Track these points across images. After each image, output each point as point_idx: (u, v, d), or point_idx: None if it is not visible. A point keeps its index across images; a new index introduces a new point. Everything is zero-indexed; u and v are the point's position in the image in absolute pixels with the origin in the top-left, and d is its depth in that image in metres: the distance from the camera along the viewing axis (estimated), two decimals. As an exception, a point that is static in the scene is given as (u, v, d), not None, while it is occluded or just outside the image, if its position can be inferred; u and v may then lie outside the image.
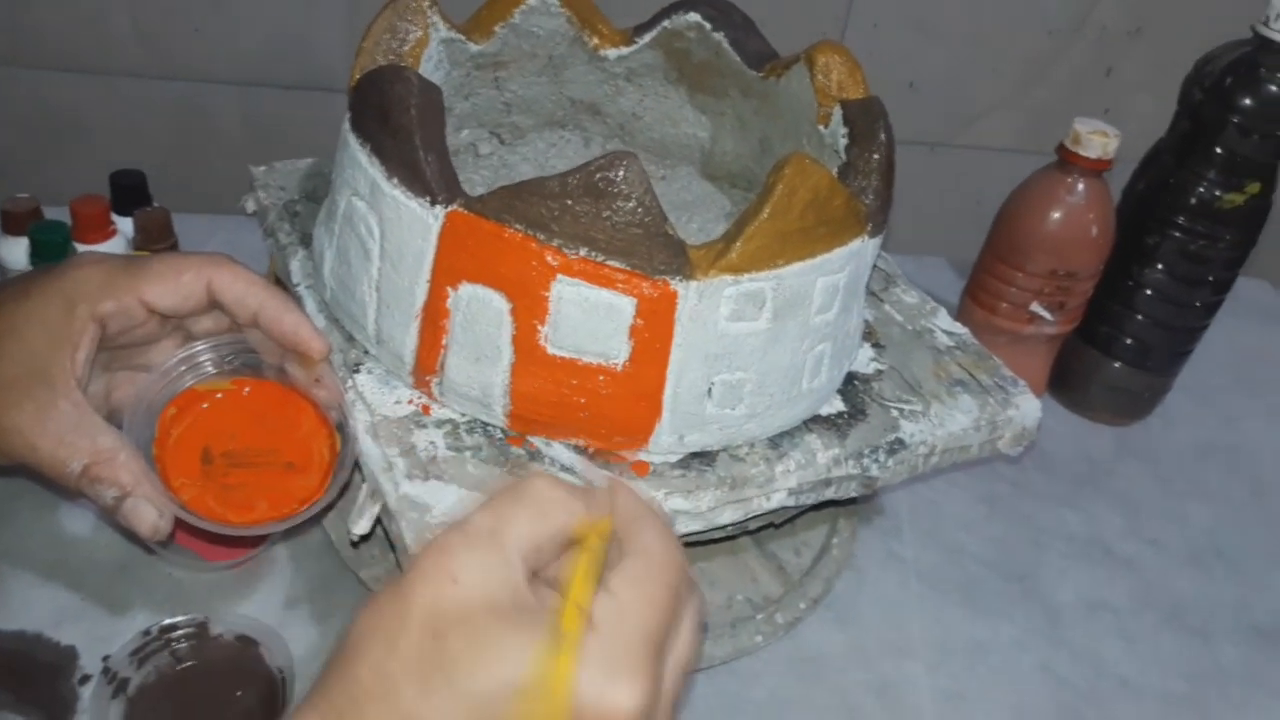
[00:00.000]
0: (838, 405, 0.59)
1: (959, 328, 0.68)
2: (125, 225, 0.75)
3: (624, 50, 0.67)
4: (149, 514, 0.49)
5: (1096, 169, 0.75)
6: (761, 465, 0.54)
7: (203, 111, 1.00)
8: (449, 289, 0.51)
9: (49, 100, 0.99)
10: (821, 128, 0.60)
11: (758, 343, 0.52)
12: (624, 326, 0.50)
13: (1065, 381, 0.87)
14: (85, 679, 0.57)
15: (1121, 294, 0.82)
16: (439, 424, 0.53)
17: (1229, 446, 0.87)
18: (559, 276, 0.49)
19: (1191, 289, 0.80)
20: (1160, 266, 0.80)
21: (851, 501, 0.64)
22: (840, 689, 0.62)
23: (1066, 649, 0.67)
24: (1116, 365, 0.85)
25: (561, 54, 0.67)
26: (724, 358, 0.52)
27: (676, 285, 0.49)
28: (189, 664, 0.57)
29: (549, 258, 0.48)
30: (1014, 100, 1.07)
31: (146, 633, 0.57)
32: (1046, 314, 0.79)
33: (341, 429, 0.53)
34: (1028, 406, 0.62)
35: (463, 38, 0.62)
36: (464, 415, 0.54)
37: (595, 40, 0.66)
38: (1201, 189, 0.76)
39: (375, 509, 0.50)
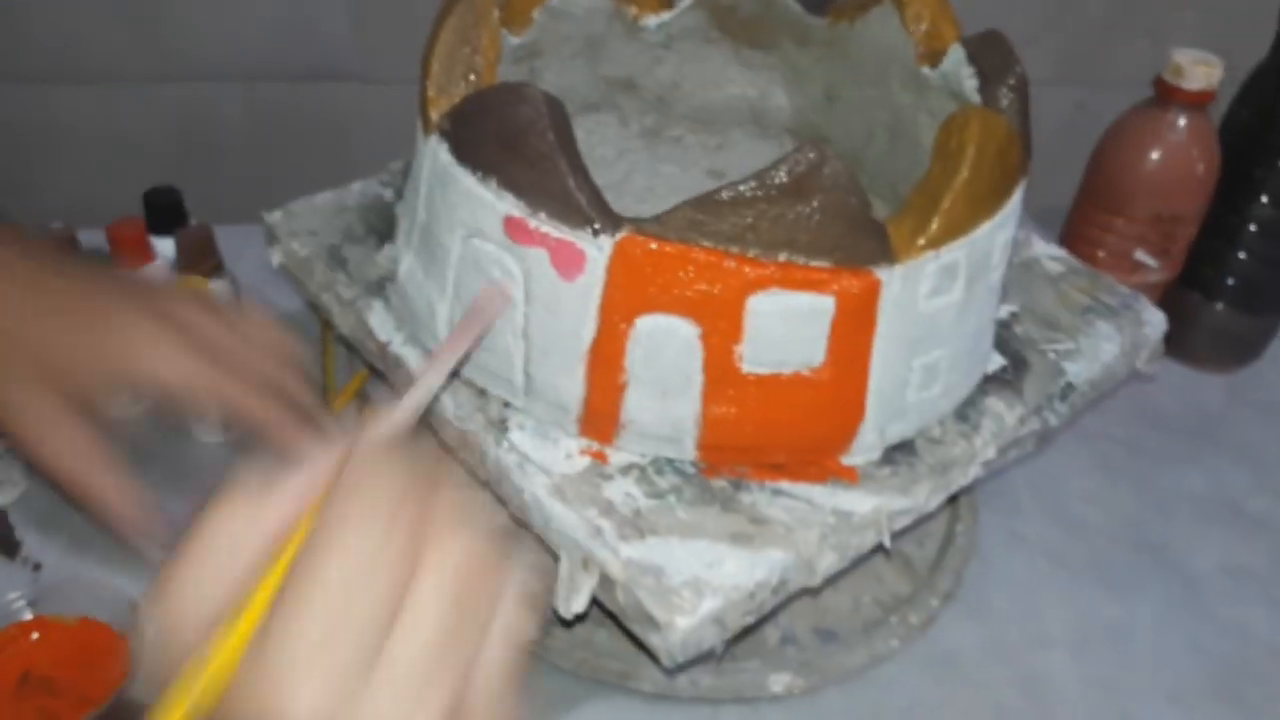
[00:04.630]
0: (997, 360, 0.56)
1: (1057, 249, 0.66)
2: (165, 246, 0.70)
3: (664, 16, 0.62)
4: None
5: (1199, 102, 0.69)
6: (961, 443, 0.52)
7: (207, 111, 0.96)
8: (623, 325, 0.46)
9: (48, 114, 0.94)
10: (926, 69, 0.55)
11: (952, 316, 0.49)
12: (825, 328, 0.45)
13: (1167, 330, 0.82)
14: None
15: (1224, 231, 0.76)
16: (624, 471, 0.49)
17: (1347, 385, 0.82)
18: (755, 288, 0.44)
19: (1303, 222, 0.75)
20: (1265, 200, 0.74)
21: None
22: (984, 687, 0.58)
23: (1212, 623, 0.63)
24: (1220, 307, 0.79)
25: (599, 32, 0.62)
26: (924, 339, 0.48)
27: (880, 273, 0.45)
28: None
29: (745, 270, 0.44)
30: (1052, 25, 0.99)
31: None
32: (1151, 261, 0.74)
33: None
34: (1155, 319, 0.62)
35: (505, 32, 0.57)
36: (644, 456, 0.49)
37: (634, 10, 0.61)
38: (1313, 113, 0.70)
39: (592, 581, 0.45)
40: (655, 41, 0.63)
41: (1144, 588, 0.64)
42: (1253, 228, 0.76)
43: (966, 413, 0.53)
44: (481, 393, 0.51)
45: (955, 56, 0.53)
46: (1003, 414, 0.53)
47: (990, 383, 0.55)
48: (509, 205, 0.45)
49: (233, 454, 0.69)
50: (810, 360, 0.46)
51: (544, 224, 0.45)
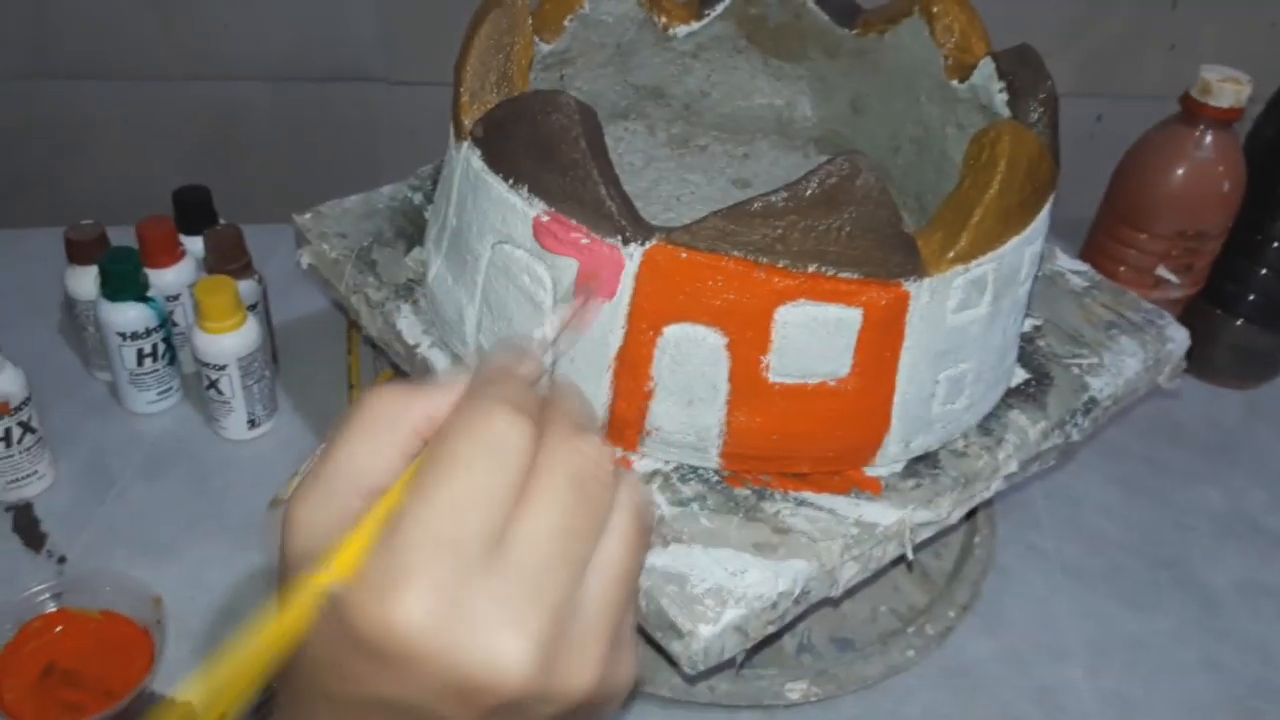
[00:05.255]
0: (1020, 373, 0.57)
1: (1081, 264, 0.66)
2: (194, 245, 0.71)
3: (694, 26, 0.63)
4: None
5: (1227, 119, 0.69)
6: (985, 456, 0.52)
7: (236, 110, 0.97)
8: (651, 332, 0.46)
9: (78, 110, 0.95)
10: (955, 82, 0.56)
11: (979, 329, 0.49)
12: (852, 339, 0.46)
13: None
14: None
15: (1247, 248, 0.76)
16: (647, 477, 0.49)
17: (1364, 404, 0.82)
18: (784, 299, 0.44)
19: (1326, 240, 0.75)
20: (1290, 217, 0.75)
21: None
22: (999, 700, 0.58)
23: (1229, 639, 0.63)
24: (1240, 323, 0.79)
25: (630, 40, 0.62)
26: (950, 353, 0.48)
27: (909, 286, 0.45)
28: (314, 717, 0.54)
29: (775, 281, 0.44)
30: (1074, 39, 1.00)
31: (268, 688, 0.53)
32: (1173, 278, 0.74)
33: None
34: (1179, 336, 0.62)
35: (536, 39, 0.57)
36: (668, 462, 0.50)
37: (664, 19, 0.62)
38: (1340, 132, 0.70)
39: None
40: (684, 50, 0.64)
41: (1161, 603, 0.64)
42: (1276, 245, 0.76)
43: (990, 426, 0.53)
44: None
45: (985, 70, 0.53)
46: (1026, 428, 0.53)
47: (1013, 396, 0.55)
48: (539, 212, 0.46)
49: (260, 451, 0.69)
50: (836, 371, 0.46)
51: (574, 230, 0.45)
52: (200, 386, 0.68)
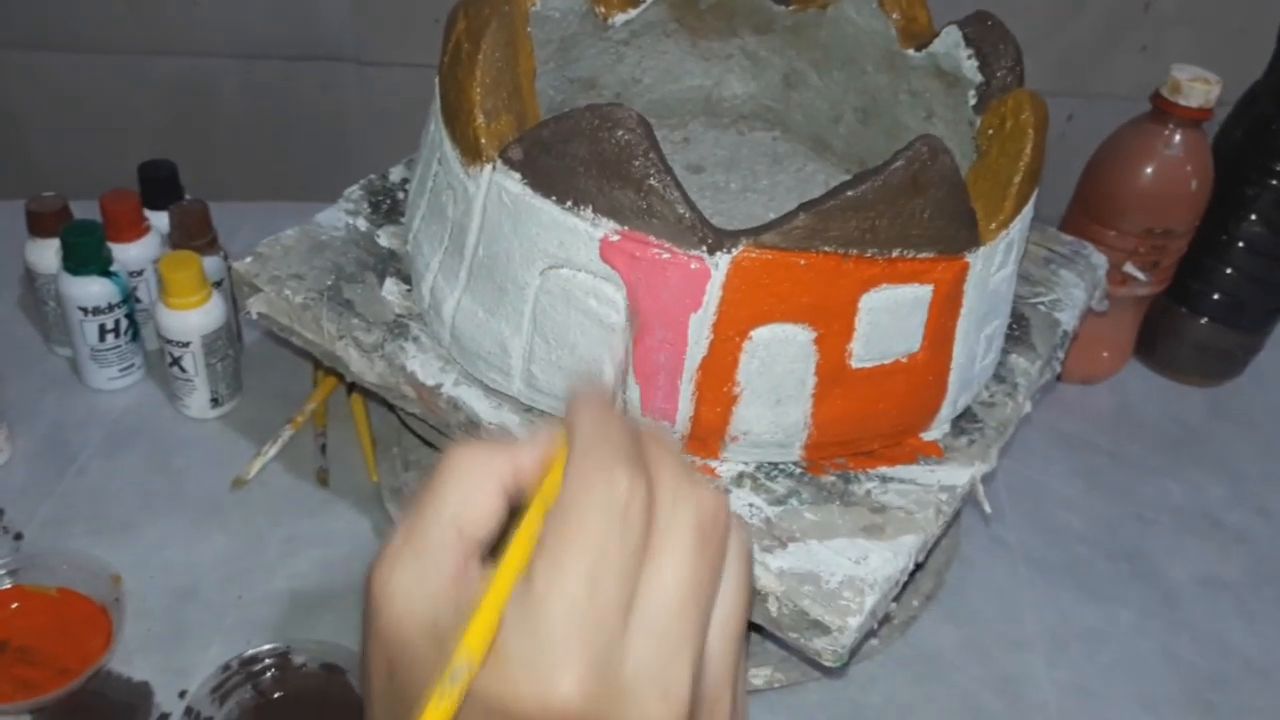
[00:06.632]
0: None
1: None
2: (159, 221, 0.70)
3: (631, 13, 0.62)
4: None
5: (1196, 119, 0.70)
6: (1009, 402, 0.55)
7: (204, 87, 0.95)
8: (738, 338, 0.45)
9: (42, 82, 0.94)
10: (911, 51, 0.57)
11: (1006, 286, 0.52)
12: (924, 315, 0.47)
13: (1151, 342, 0.83)
14: (164, 717, 0.53)
15: (1213, 248, 0.77)
16: (737, 482, 0.49)
17: (1325, 404, 0.83)
18: (869, 286, 0.45)
19: (1291, 242, 0.76)
20: (1255, 218, 0.75)
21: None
22: (960, 688, 0.58)
23: (1187, 631, 0.63)
24: (1204, 322, 0.80)
25: (572, 33, 0.62)
26: (990, 312, 0.51)
27: (970, 256, 0.47)
28: (274, 697, 0.53)
29: (862, 271, 0.44)
30: (1046, 39, 1.00)
31: (226, 666, 0.53)
32: (1141, 275, 0.74)
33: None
34: (1100, 261, 0.68)
35: None
36: (748, 464, 0.50)
37: (603, 9, 0.61)
38: (1306, 134, 0.71)
39: None
40: (619, 39, 0.63)
41: (1121, 596, 0.65)
42: (1241, 245, 0.77)
43: (1001, 374, 0.57)
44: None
45: (950, 39, 0.54)
46: (1027, 368, 0.58)
47: (1007, 342, 0.58)
48: (607, 231, 0.44)
49: (222, 430, 0.69)
50: (910, 347, 0.48)
51: (652, 247, 0.44)
52: (163, 364, 0.67)
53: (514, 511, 0.27)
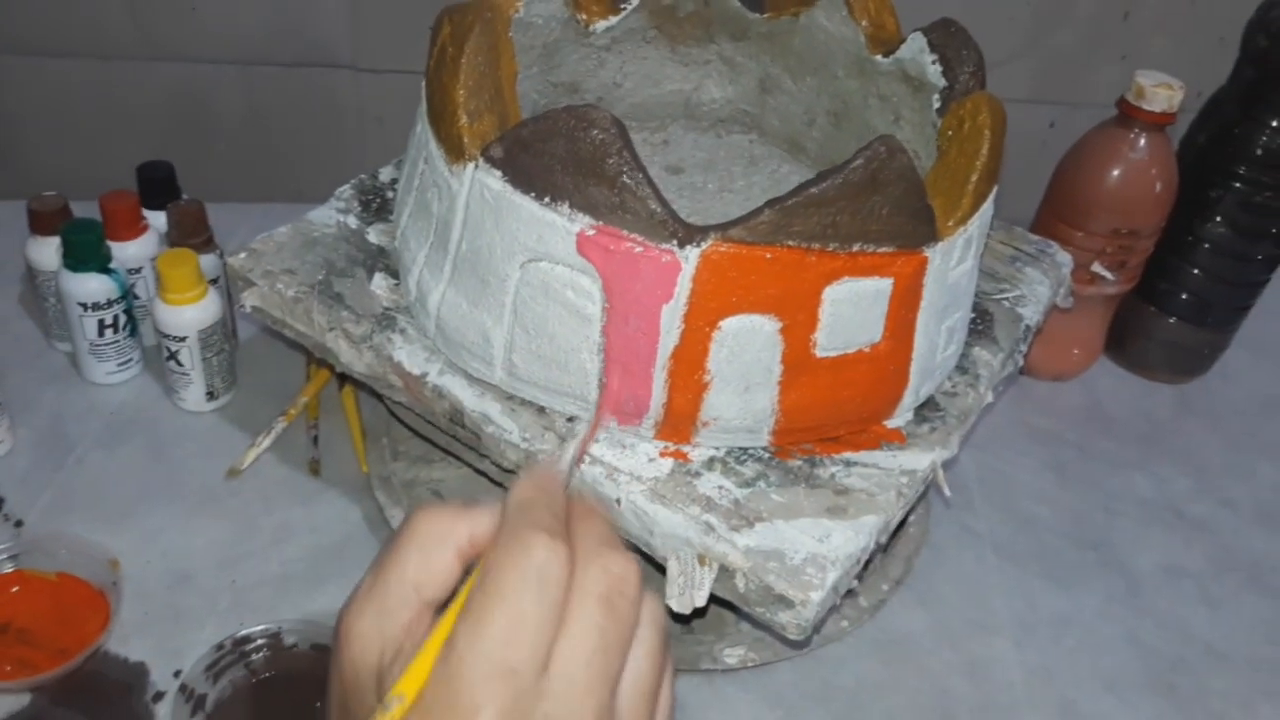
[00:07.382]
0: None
1: None
2: (157, 220, 0.72)
3: (611, 20, 0.65)
4: None
5: (1160, 123, 0.72)
6: (970, 392, 0.57)
7: (202, 93, 0.97)
8: (708, 328, 0.48)
9: (45, 87, 0.96)
10: (879, 57, 0.60)
11: (966, 280, 0.54)
12: (884, 307, 0.49)
13: (1121, 340, 0.85)
14: (159, 696, 0.55)
15: (1180, 249, 0.80)
16: (707, 466, 0.51)
17: (1289, 400, 0.86)
18: (832, 279, 0.47)
19: (1254, 242, 0.78)
20: (1220, 220, 0.78)
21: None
22: (929, 670, 0.60)
23: (1150, 617, 0.65)
24: (1172, 321, 0.83)
25: (555, 39, 0.64)
26: (950, 305, 0.53)
27: (928, 251, 0.49)
28: (266, 676, 0.55)
29: (824, 264, 0.46)
30: (1028, 48, 1.03)
31: (220, 646, 0.55)
32: (1108, 274, 0.77)
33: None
34: (1065, 259, 0.70)
35: None
36: (719, 448, 0.52)
37: (584, 16, 0.64)
38: (1266, 138, 0.74)
39: (712, 574, 0.48)
40: (600, 45, 0.66)
41: (1087, 583, 0.67)
42: (1207, 246, 0.79)
43: (964, 365, 0.59)
44: (541, 411, 0.52)
45: (915, 45, 0.57)
46: (990, 360, 0.60)
47: (970, 335, 0.61)
48: (583, 226, 0.46)
49: (217, 423, 0.71)
50: (872, 338, 0.50)
51: (626, 241, 0.46)
52: (160, 358, 0.69)
53: (469, 570, 0.31)
